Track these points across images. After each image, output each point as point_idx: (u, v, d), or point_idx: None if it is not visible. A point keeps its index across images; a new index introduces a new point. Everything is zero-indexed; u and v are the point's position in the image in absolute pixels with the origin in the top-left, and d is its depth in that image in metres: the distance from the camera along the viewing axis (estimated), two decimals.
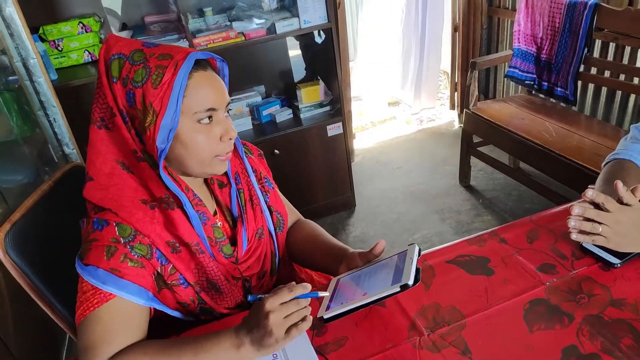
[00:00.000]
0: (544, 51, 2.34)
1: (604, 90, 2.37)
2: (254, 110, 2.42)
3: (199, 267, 0.88)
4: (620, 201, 0.87)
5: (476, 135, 2.55)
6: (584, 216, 0.86)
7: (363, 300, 0.80)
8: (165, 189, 0.83)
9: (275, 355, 0.81)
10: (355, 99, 3.56)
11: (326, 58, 2.33)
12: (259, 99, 2.47)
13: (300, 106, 2.39)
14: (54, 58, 2.04)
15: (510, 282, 0.91)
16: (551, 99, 2.48)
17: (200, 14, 2.19)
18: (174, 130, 0.80)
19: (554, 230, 1.03)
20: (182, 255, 0.86)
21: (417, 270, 0.81)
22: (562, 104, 2.46)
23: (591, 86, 2.43)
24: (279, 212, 1.05)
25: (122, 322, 0.79)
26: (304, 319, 0.74)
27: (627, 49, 2.15)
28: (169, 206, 0.83)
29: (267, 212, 1.02)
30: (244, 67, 2.49)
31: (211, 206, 0.96)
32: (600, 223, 0.85)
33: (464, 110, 2.50)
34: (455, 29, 3.17)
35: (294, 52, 2.65)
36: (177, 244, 0.85)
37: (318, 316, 0.83)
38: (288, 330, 0.73)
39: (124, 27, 2.23)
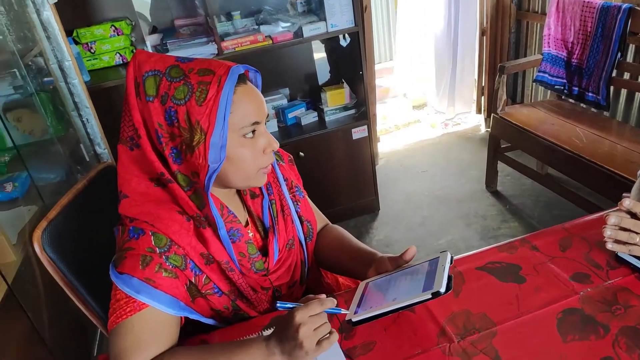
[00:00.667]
0: (575, 56, 2.29)
1: (638, 95, 2.31)
2: (280, 113, 2.44)
3: (229, 281, 0.89)
4: None
5: (504, 140, 2.52)
6: (620, 225, 0.84)
7: (392, 306, 0.80)
8: (196, 209, 0.82)
9: None
10: (380, 101, 3.54)
11: (352, 61, 2.33)
12: (284, 101, 2.49)
13: (325, 109, 2.40)
14: (87, 60, 2.09)
15: (542, 290, 0.90)
16: (582, 104, 2.43)
17: (229, 17, 2.22)
18: (224, 147, 0.78)
19: (587, 238, 1.01)
20: (214, 266, 0.87)
21: (449, 277, 0.80)
22: (593, 109, 2.41)
23: (624, 91, 2.37)
24: (309, 221, 1.05)
25: (154, 331, 0.79)
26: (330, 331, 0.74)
27: None
28: (201, 225, 0.83)
29: (297, 222, 1.01)
30: (270, 70, 2.51)
31: (243, 217, 0.96)
32: (637, 233, 0.83)
33: (492, 114, 2.47)
34: (482, 32, 3.13)
35: (319, 55, 2.66)
36: (211, 256, 0.86)
37: (346, 319, 0.83)
38: (319, 342, 0.73)
39: (154, 30, 2.28)
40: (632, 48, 2.21)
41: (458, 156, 3.13)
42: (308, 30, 2.11)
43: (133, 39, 2.19)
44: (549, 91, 2.63)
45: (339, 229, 1.12)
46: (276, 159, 1.02)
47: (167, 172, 0.81)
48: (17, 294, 1.19)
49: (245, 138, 0.82)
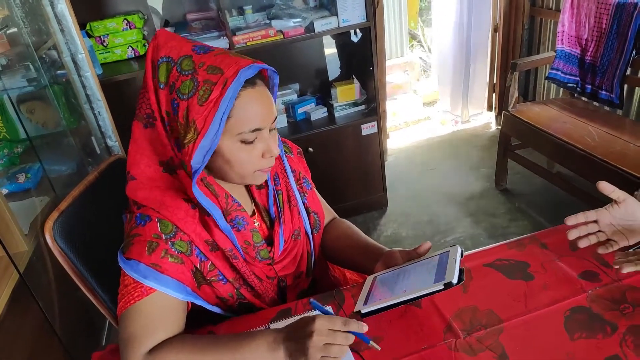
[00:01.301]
0: (589, 53, 2.27)
1: None
2: (289, 108, 2.44)
3: (233, 268, 0.90)
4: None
5: (515, 137, 2.50)
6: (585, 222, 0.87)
7: (404, 297, 0.80)
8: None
9: None
10: (390, 98, 3.52)
11: (362, 57, 2.33)
12: (294, 96, 2.49)
13: (335, 104, 2.40)
14: (99, 53, 2.11)
15: (550, 288, 0.89)
16: (594, 103, 2.40)
17: (240, 11, 2.23)
18: (211, 151, 0.78)
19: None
20: (219, 254, 0.88)
21: (461, 270, 0.80)
22: (606, 108, 2.38)
23: (638, 90, 2.33)
24: (316, 212, 1.05)
25: (162, 316, 0.80)
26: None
27: None
28: (206, 213, 0.84)
29: (304, 213, 1.02)
30: (281, 65, 2.50)
31: (249, 207, 0.96)
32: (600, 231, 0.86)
33: (503, 112, 2.45)
34: (495, 29, 3.11)
35: (329, 50, 2.66)
36: (216, 244, 0.86)
37: (355, 311, 0.83)
38: (324, 357, 0.71)
39: (166, 23, 2.29)
40: None
41: (468, 154, 3.12)
42: (319, 25, 2.11)
43: (145, 33, 2.20)
44: (562, 89, 2.60)
45: (347, 223, 1.12)
46: (284, 151, 1.02)
47: (177, 158, 0.81)
48: (29, 283, 1.21)
49: (244, 142, 0.81)
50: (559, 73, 2.45)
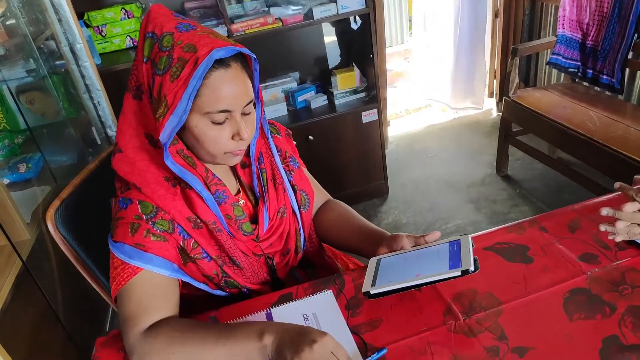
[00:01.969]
0: (590, 37, 2.25)
1: None
2: (289, 96, 2.43)
3: (218, 244, 0.90)
4: None
5: (515, 123, 2.49)
6: (616, 217, 0.84)
7: (417, 280, 0.81)
8: None
9: None
10: (390, 85, 3.51)
11: (362, 44, 2.31)
12: (294, 84, 2.48)
13: (335, 92, 2.39)
14: (98, 43, 2.10)
15: (549, 270, 0.90)
16: (595, 87, 2.39)
17: None
18: (177, 127, 0.79)
19: (597, 220, 1.00)
20: (203, 231, 0.88)
21: (475, 258, 0.81)
22: (607, 93, 2.37)
23: (639, 74, 2.32)
24: (304, 190, 1.05)
25: (153, 293, 0.82)
26: None
27: None
28: (187, 186, 0.85)
29: (290, 191, 1.02)
30: (280, 53, 2.50)
31: (234, 186, 0.97)
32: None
33: (503, 98, 2.44)
34: (495, 14, 3.08)
35: (329, 38, 2.64)
36: (198, 220, 0.87)
37: (364, 291, 0.84)
38: None
39: None
40: None
41: (469, 140, 3.11)
42: (318, 12, 2.09)
43: None
44: (563, 74, 2.59)
45: (344, 205, 1.12)
46: (271, 131, 1.03)
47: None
48: (32, 271, 1.22)
49: (214, 123, 0.81)
50: (560, 58, 2.43)
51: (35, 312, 1.29)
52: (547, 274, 0.89)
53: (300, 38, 2.53)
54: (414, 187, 2.71)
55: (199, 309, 0.93)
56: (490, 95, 3.42)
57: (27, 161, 1.52)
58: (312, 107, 2.40)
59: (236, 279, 0.94)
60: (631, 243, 0.92)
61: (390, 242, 0.95)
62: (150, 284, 0.82)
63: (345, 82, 2.38)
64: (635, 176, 1.13)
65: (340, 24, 2.51)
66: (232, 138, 0.84)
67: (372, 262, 0.92)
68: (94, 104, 1.72)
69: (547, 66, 2.63)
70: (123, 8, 2.09)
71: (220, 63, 0.78)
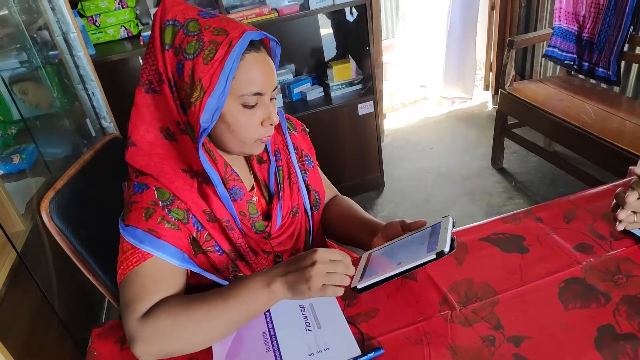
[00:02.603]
0: (586, 30, 2.25)
1: None
2: (285, 88, 2.43)
3: (229, 240, 0.90)
4: None
5: (511, 116, 2.49)
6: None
7: (398, 269, 0.80)
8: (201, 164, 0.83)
9: (307, 324, 0.83)
10: (386, 79, 3.51)
11: (359, 36, 2.30)
12: (290, 76, 2.47)
13: (331, 84, 2.38)
14: (92, 34, 2.08)
15: (545, 260, 0.90)
16: (591, 80, 2.39)
17: None
18: (219, 110, 0.79)
19: (592, 210, 1.01)
20: (217, 225, 0.88)
21: (452, 239, 0.80)
22: (603, 85, 2.37)
23: (635, 67, 2.33)
24: (317, 191, 1.05)
25: (160, 279, 0.81)
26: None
27: None
28: (205, 181, 0.84)
29: (304, 191, 1.02)
30: None
31: (249, 181, 0.96)
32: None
33: (499, 90, 2.44)
34: (492, 6, 3.08)
35: (325, 30, 2.63)
36: (213, 215, 0.87)
37: (351, 287, 0.84)
38: (324, 286, 0.74)
39: (159, 2, 2.25)
40: None
41: (464, 133, 3.12)
42: (314, 3, 2.08)
43: (138, 12, 2.17)
44: (559, 67, 2.59)
45: (348, 200, 1.13)
46: (288, 127, 1.02)
47: (182, 122, 0.82)
48: (27, 262, 1.21)
49: (246, 107, 0.82)
50: (556, 50, 2.43)
51: (31, 303, 1.28)
52: (542, 264, 0.89)
53: (296, 30, 2.52)
54: (409, 180, 2.71)
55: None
56: (486, 87, 3.42)
57: (21, 152, 1.50)
58: (308, 99, 2.40)
59: (246, 273, 0.93)
60: (626, 233, 0.93)
61: (386, 230, 0.95)
62: (158, 271, 0.81)
63: (341, 74, 2.38)
64: (630, 167, 1.13)
65: (336, 16, 2.49)
66: (262, 124, 0.84)
67: (364, 256, 0.93)
68: (88, 95, 1.70)
69: (543, 59, 2.63)
70: None
71: (252, 46, 0.80)
